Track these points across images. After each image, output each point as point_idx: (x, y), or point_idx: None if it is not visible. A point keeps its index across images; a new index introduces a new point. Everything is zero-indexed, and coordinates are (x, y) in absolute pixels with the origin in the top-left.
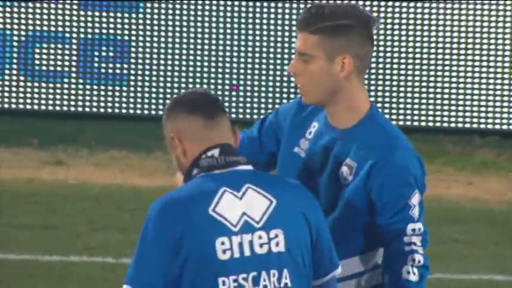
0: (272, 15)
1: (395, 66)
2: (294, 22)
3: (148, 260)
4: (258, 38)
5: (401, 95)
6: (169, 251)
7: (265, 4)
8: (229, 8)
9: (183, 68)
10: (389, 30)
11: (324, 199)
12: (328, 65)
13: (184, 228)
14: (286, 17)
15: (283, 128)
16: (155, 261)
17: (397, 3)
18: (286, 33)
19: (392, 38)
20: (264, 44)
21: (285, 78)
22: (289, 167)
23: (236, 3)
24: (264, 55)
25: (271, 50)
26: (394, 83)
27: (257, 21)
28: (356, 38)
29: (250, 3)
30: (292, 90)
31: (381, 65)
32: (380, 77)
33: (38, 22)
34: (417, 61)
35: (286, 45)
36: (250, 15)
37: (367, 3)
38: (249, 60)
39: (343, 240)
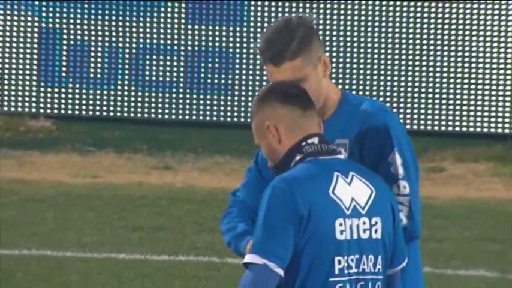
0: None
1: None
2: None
3: (277, 234)
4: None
5: (493, 103)
6: (297, 227)
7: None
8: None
9: None
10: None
11: None
12: (316, 72)
13: (310, 208)
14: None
15: None
16: (284, 235)
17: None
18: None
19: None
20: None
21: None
22: None
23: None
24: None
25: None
26: (486, 92)
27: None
28: (315, 38)
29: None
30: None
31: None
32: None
33: (148, 36)
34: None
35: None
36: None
37: (382, 2)
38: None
39: None
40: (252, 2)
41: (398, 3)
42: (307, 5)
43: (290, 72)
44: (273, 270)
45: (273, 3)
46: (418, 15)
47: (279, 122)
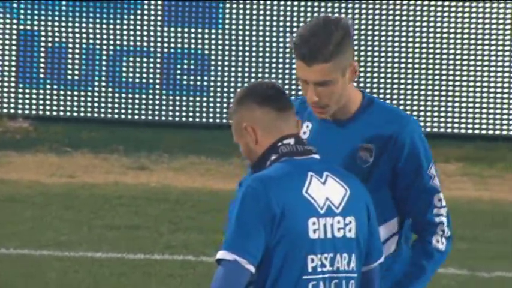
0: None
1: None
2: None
3: (248, 231)
4: None
5: (463, 104)
6: (269, 226)
7: None
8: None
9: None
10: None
11: None
12: (344, 78)
13: (283, 206)
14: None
15: None
16: (256, 233)
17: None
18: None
19: (455, 46)
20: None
21: None
22: None
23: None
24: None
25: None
26: (457, 94)
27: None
28: (349, 44)
29: None
30: None
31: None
32: (448, 88)
33: (124, 38)
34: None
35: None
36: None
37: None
38: None
39: None
40: (227, 4)
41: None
42: (281, 7)
43: (319, 74)
44: (244, 266)
45: (248, 6)
46: (380, 17)
47: (255, 123)
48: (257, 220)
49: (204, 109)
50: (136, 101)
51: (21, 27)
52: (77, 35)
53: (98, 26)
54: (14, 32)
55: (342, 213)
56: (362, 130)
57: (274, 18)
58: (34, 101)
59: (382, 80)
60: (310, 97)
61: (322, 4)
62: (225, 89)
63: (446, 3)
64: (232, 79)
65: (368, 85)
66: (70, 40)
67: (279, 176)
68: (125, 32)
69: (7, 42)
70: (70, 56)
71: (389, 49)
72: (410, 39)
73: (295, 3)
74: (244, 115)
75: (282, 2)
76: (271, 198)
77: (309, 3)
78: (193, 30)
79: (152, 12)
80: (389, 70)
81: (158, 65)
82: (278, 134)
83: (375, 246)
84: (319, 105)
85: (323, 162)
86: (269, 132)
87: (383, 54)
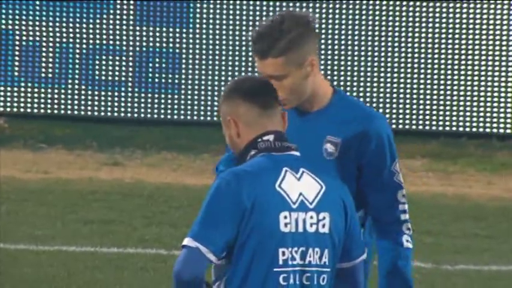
0: None
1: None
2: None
3: (215, 222)
4: None
5: (428, 102)
6: (238, 219)
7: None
8: None
9: (229, 79)
10: (426, 38)
11: None
12: (299, 72)
13: (254, 200)
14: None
15: None
16: (223, 225)
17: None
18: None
19: (420, 45)
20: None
21: None
22: None
23: None
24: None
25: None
26: (421, 91)
27: None
28: (310, 39)
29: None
30: None
31: (414, 75)
32: (415, 86)
33: (98, 36)
34: (442, 71)
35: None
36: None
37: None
38: None
39: None
40: (198, 4)
41: (324, 5)
42: (250, 6)
43: (272, 68)
44: (205, 254)
45: (218, 6)
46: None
47: (239, 117)
48: (225, 212)
49: (176, 106)
50: (109, 99)
51: None
52: (51, 34)
53: (70, 24)
54: None
55: (316, 208)
56: (330, 123)
57: (244, 17)
58: (9, 99)
59: (346, 77)
60: None
61: (297, 4)
62: (196, 87)
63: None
64: (203, 77)
65: (335, 80)
66: (44, 39)
67: (253, 170)
68: (97, 31)
69: None
70: (44, 54)
71: (356, 47)
72: (381, 38)
73: (264, 3)
74: (229, 108)
75: (251, 2)
76: (242, 191)
77: (284, 3)
78: (164, 29)
79: (125, 12)
80: (355, 68)
81: (130, 63)
82: (260, 129)
83: (355, 242)
84: None
85: (301, 159)
86: (251, 127)
87: (351, 50)
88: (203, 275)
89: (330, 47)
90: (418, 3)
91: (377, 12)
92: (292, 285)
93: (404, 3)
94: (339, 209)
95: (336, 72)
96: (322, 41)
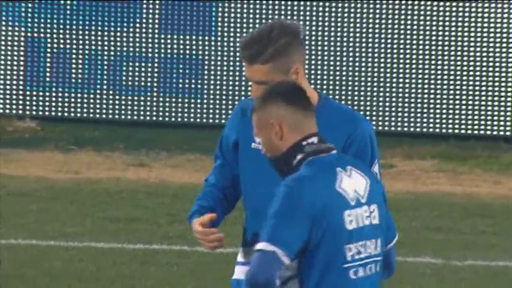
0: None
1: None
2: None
3: (290, 227)
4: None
5: (438, 106)
6: (310, 223)
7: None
8: None
9: (249, 84)
10: (430, 40)
11: None
12: (286, 79)
13: (321, 203)
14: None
15: (234, 140)
16: (296, 229)
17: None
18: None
19: (431, 49)
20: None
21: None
22: (253, 161)
23: None
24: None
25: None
26: (432, 96)
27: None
28: (297, 48)
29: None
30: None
31: (418, 77)
32: (425, 90)
33: (125, 44)
34: (452, 75)
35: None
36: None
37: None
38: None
39: None
40: (220, 14)
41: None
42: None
43: (259, 74)
44: (280, 258)
45: (239, 14)
46: (363, 16)
47: (283, 120)
48: (298, 216)
49: (199, 110)
50: (136, 103)
51: (29, 34)
52: (81, 42)
53: (99, 33)
54: (22, 38)
55: (367, 202)
56: (319, 129)
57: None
58: (41, 103)
59: (355, 82)
60: (252, 94)
61: (314, 3)
62: (218, 92)
63: (423, 2)
64: (224, 82)
65: (343, 83)
66: (74, 46)
67: (313, 175)
68: (124, 39)
69: (16, 48)
70: (74, 60)
71: (370, 48)
72: (389, 40)
73: (289, 2)
74: (272, 112)
75: (270, 11)
76: (309, 196)
77: (295, 3)
78: (188, 37)
79: (150, 21)
80: (369, 71)
81: (156, 69)
82: (303, 132)
83: (391, 225)
84: None
85: (342, 156)
86: (295, 130)
87: (361, 52)
88: (276, 277)
89: (338, 48)
90: (435, 3)
91: (394, 15)
92: (360, 278)
93: (422, 2)
94: (381, 198)
95: (344, 73)
96: (337, 43)
